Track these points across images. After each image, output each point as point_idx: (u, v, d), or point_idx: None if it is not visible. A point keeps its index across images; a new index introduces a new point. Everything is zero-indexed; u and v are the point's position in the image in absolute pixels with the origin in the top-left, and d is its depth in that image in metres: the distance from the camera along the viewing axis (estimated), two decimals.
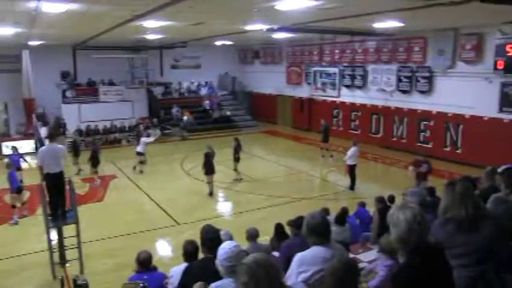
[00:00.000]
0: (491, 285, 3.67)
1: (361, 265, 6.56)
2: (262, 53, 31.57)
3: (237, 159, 17.50)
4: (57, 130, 21.33)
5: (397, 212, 3.20)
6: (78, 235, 9.86)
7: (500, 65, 16.83)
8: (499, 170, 6.11)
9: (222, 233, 6.29)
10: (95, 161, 17.92)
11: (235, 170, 17.57)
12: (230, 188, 16.51)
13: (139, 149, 19.07)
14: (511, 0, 9.67)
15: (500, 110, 17.49)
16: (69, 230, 10.12)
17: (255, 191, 16.36)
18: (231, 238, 6.53)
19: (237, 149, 17.51)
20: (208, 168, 15.68)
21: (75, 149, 19.27)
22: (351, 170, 16.12)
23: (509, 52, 16.53)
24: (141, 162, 19.16)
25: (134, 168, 19.14)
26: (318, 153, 21.44)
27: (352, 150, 16.06)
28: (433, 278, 3.05)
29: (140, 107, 28.44)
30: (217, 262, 4.02)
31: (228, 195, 15.93)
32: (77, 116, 26.04)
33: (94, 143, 20.50)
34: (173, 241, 11.75)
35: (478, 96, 18.18)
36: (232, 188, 16.75)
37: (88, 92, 27.03)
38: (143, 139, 19.32)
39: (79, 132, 25.03)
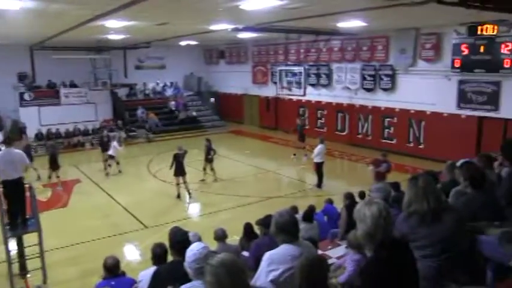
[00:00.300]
0: (452, 274, 3.76)
1: (330, 261, 6.61)
2: (228, 53, 31.52)
3: (209, 160, 17.36)
4: (15, 134, 20.76)
5: (363, 208, 3.26)
6: (40, 243, 9.48)
7: (457, 63, 17.57)
8: (458, 164, 6.26)
9: (190, 234, 6.21)
10: (54, 166, 17.30)
11: (204, 169, 17.49)
12: (198, 189, 16.36)
13: (111, 152, 18.82)
14: (462, 2, 9.95)
15: (458, 106, 18.10)
16: (30, 238, 9.75)
17: (223, 191, 16.31)
18: (199, 240, 6.45)
19: (209, 150, 17.33)
20: (177, 170, 15.45)
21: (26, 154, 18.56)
22: (318, 168, 16.22)
23: (464, 51, 17.29)
24: (117, 163, 19.09)
25: (107, 174, 18.86)
26: (285, 152, 21.51)
27: (318, 148, 16.17)
28: (399, 270, 3.15)
29: (104, 109, 28.04)
30: (186, 264, 4.01)
31: (196, 196, 15.78)
32: (37, 119, 25.43)
33: (53, 146, 19.94)
34: (141, 245, 11.58)
35: (438, 93, 18.71)
36: (200, 189, 16.62)
37: (48, 94, 26.42)
38: (115, 143, 19.04)
39: (38, 136, 24.46)
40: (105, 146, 19.33)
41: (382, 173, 13.42)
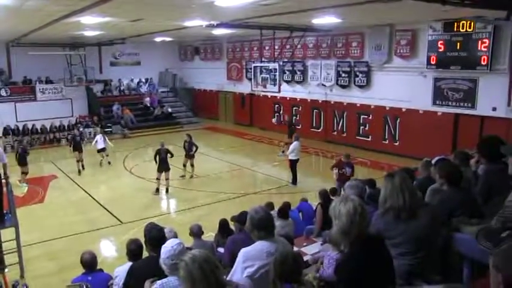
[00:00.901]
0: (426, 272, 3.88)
1: (305, 258, 6.67)
2: (203, 50, 31.41)
3: (191, 156, 17.36)
4: None
5: (338, 205, 3.29)
6: (17, 238, 9.47)
7: (433, 60, 17.54)
8: (433, 161, 6.37)
9: (166, 230, 6.28)
10: (21, 162, 16.88)
11: (184, 166, 17.47)
12: (175, 186, 16.38)
13: (100, 146, 19.12)
14: None
15: (434, 103, 18.10)
16: (7, 233, 9.73)
17: (198, 187, 16.32)
18: (175, 235, 6.53)
19: (191, 146, 17.31)
20: (161, 165, 15.45)
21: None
22: (293, 165, 16.28)
23: (440, 48, 17.24)
24: (107, 155, 19.58)
25: (101, 163, 19.39)
26: (261, 148, 21.60)
27: (293, 144, 16.19)
28: (375, 267, 3.16)
29: (79, 105, 27.84)
30: (161, 260, 4.07)
31: (173, 192, 15.80)
32: (13, 115, 25.19)
33: (20, 142, 19.97)
34: (117, 241, 11.60)
35: (414, 90, 18.72)
36: (177, 185, 16.62)
37: (24, 90, 26.20)
38: (99, 138, 19.37)
39: (12, 131, 24.21)
40: (78, 146, 19.03)
41: (347, 176, 13.17)
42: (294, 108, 25.03)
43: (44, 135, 25.12)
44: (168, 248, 4.05)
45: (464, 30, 16.43)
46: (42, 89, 26.65)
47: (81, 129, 25.42)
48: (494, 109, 16.33)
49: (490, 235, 3.57)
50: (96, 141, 19.35)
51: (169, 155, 15.69)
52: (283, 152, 20.17)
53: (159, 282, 4.03)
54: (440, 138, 17.50)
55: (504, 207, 3.69)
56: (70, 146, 19.63)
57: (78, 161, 18.69)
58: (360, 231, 3.21)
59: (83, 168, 18.75)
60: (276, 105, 26.11)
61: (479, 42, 16.11)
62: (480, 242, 3.63)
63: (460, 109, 17.44)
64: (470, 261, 4.11)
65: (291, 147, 16.24)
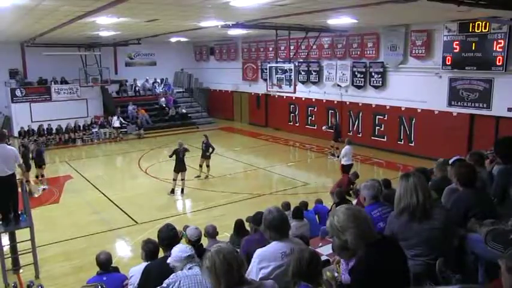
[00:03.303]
0: (442, 273, 3.83)
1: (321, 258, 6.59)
2: (218, 50, 31.41)
3: (207, 157, 17.23)
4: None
5: (334, 221, 3.21)
6: (32, 239, 9.52)
7: (448, 60, 17.49)
8: (450, 161, 6.31)
9: (191, 227, 6.25)
10: (39, 163, 16.70)
11: (200, 166, 17.41)
12: (190, 186, 16.37)
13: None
14: None
15: (449, 104, 18.00)
16: (22, 234, 9.78)
17: (214, 188, 16.34)
18: (199, 233, 6.43)
19: (208, 146, 17.18)
20: (177, 165, 15.43)
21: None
22: (345, 170, 15.27)
23: (455, 49, 17.19)
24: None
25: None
26: (276, 148, 21.53)
27: (345, 148, 15.57)
28: (389, 269, 3.13)
29: (95, 105, 27.98)
30: (169, 260, 4.26)
31: (188, 193, 15.79)
32: (28, 115, 25.43)
33: (37, 143, 19.89)
34: (132, 241, 11.62)
35: (429, 90, 18.63)
36: (192, 185, 16.61)
37: (39, 90, 26.37)
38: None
39: (29, 132, 24.33)
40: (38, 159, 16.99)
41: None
42: (310, 108, 24.95)
43: (59, 135, 25.19)
44: (176, 252, 4.23)
45: (480, 30, 16.36)
46: (58, 89, 26.84)
47: (95, 129, 25.63)
48: (509, 110, 16.23)
49: (499, 237, 3.56)
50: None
51: (186, 152, 15.64)
52: (332, 155, 20.01)
53: (166, 281, 4.10)
54: (455, 139, 17.42)
55: None
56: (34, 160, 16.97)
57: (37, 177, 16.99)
58: (369, 235, 3.17)
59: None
60: (292, 106, 26.05)
61: (495, 42, 16.06)
62: (489, 243, 3.62)
63: (475, 110, 17.32)
64: (485, 262, 4.08)
65: (343, 151, 15.64)
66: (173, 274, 4.16)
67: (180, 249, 4.32)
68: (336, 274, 4.32)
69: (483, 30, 16.24)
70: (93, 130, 25.87)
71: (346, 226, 3.13)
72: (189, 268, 4.20)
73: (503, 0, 10.95)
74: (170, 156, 15.66)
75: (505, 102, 16.25)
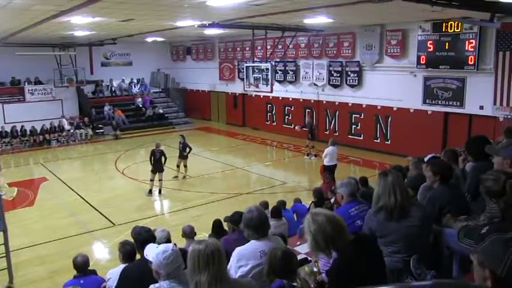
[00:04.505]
0: (416, 269, 3.89)
1: (298, 257, 6.64)
2: (195, 49, 31.33)
3: (184, 157, 17.16)
4: None
5: (308, 224, 3.32)
6: (6, 243, 9.28)
7: (423, 59, 17.79)
8: (425, 159, 6.40)
9: (158, 230, 6.25)
10: None
11: (178, 166, 17.29)
12: (168, 186, 16.29)
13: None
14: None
15: (424, 102, 18.31)
16: None
17: (191, 188, 16.28)
18: (168, 235, 6.45)
19: (185, 147, 17.12)
20: (155, 166, 15.34)
21: None
22: (325, 171, 14.95)
23: (429, 48, 17.49)
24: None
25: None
26: (253, 148, 21.52)
27: (328, 149, 15.09)
28: (363, 269, 3.19)
29: (70, 106, 27.64)
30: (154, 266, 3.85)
31: (165, 193, 15.69)
32: (1, 116, 25.05)
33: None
34: (110, 243, 11.50)
35: (404, 89, 18.90)
36: (170, 186, 16.54)
37: (12, 91, 25.91)
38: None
39: (2, 134, 23.93)
40: None
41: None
42: (287, 108, 25.03)
43: (34, 137, 24.77)
44: (154, 257, 3.85)
45: (452, 30, 16.69)
46: (31, 90, 26.38)
47: (71, 130, 25.30)
48: (481, 108, 16.57)
49: (470, 233, 3.61)
50: None
51: (163, 157, 15.52)
52: (308, 155, 20.04)
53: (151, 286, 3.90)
54: (430, 137, 17.71)
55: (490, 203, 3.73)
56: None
57: None
58: (343, 236, 3.25)
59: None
60: (269, 105, 26.11)
61: (467, 42, 16.41)
62: (461, 240, 3.67)
63: (449, 108, 17.64)
64: (460, 257, 4.14)
65: (325, 151, 15.09)
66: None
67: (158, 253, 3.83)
68: (315, 269, 4.34)
69: (456, 30, 16.55)
70: (77, 131, 25.45)
71: (318, 231, 3.21)
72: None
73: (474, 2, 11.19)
74: (150, 159, 15.50)
75: (477, 100, 16.57)
